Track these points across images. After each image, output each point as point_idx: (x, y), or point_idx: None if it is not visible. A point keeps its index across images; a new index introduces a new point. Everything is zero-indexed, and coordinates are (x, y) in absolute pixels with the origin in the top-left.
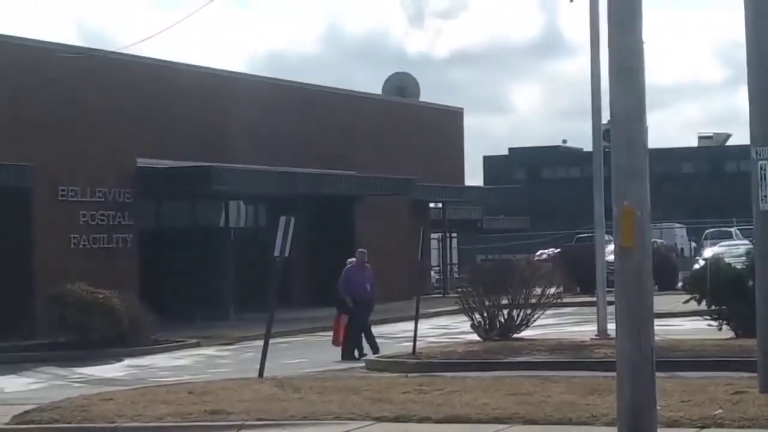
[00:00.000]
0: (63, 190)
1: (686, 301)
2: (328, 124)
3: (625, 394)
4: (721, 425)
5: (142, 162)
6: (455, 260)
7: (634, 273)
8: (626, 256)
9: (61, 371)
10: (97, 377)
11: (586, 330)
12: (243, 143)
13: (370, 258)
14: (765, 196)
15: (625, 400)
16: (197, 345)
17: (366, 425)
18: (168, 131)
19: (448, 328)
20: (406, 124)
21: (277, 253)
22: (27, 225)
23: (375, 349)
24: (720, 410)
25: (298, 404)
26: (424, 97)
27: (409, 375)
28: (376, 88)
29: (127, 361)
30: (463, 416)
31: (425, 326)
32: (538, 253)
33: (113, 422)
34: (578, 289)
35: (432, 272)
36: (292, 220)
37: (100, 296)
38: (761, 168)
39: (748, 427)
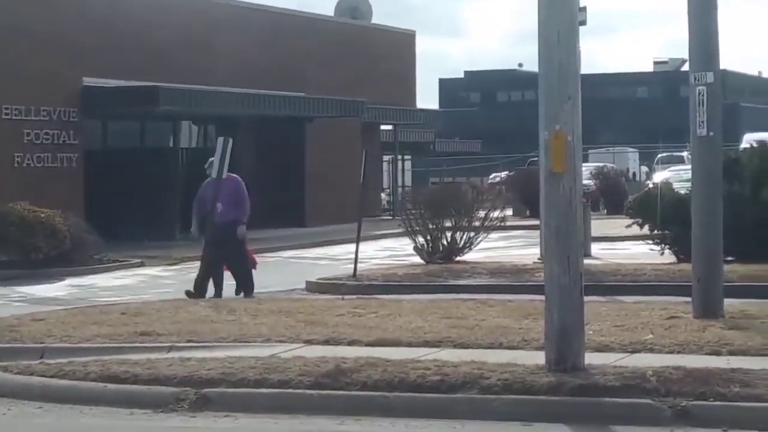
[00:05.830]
0: (7, 109)
1: (628, 225)
2: (280, 46)
3: (553, 319)
4: (651, 350)
5: (88, 81)
6: (408, 182)
7: (563, 197)
8: (556, 181)
9: (2, 290)
10: (38, 296)
11: (531, 253)
12: (192, 64)
13: (321, 181)
14: (702, 122)
15: (553, 325)
16: (141, 265)
17: (295, 348)
18: (116, 50)
19: (395, 250)
20: (357, 47)
21: (214, 175)
22: None
23: (216, 291)
24: (651, 335)
25: (230, 326)
26: (379, 20)
27: (346, 297)
28: (328, 9)
29: (69, 281)
30: (394, 340)
31: (372, 248)
32: (491, 176)
33: (42, 342)
34: (528, 212)
35: (382, 194)
36: (230, 141)
37: (42, 215)
38: (699, 93)
39: (678, 352)
